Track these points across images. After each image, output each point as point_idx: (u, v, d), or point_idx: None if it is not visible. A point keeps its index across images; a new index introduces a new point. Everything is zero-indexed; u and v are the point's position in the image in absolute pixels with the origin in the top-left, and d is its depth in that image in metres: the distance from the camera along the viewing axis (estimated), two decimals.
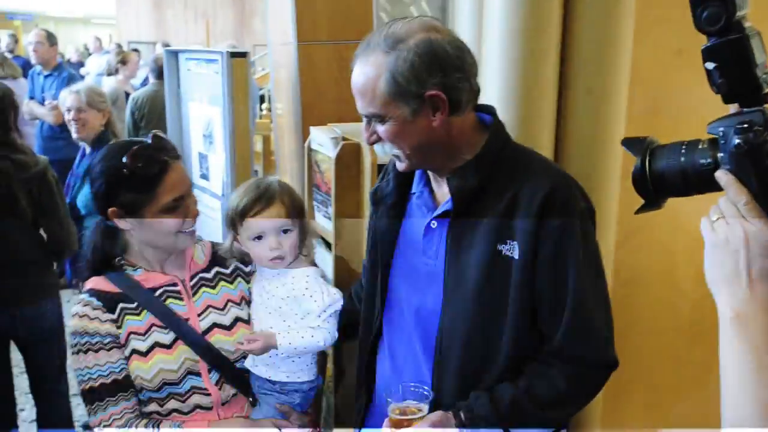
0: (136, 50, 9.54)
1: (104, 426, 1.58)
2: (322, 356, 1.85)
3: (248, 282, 1.74)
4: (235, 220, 1.66)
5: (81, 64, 10.18)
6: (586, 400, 1.48)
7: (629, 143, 1.02)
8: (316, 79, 3.02)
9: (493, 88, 1.74)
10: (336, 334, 1.68)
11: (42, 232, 2.77)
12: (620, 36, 1.59)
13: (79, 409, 3.58)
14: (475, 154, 1.43)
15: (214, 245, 1.78)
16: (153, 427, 1.59)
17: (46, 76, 5.62)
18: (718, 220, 0.90)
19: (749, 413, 0.80)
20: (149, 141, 1.60)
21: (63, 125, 5.42)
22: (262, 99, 7.26)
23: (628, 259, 1.67)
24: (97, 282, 1.63)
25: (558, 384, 1.40)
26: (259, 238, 1.65)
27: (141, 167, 1.53)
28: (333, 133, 2.26)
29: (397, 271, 1.57)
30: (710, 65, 0.91)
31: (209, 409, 1.64)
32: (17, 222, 2.61)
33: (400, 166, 1.47)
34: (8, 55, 6.94)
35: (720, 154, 0.92)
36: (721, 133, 0.92)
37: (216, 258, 1.74)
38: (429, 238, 1.48)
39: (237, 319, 1.68)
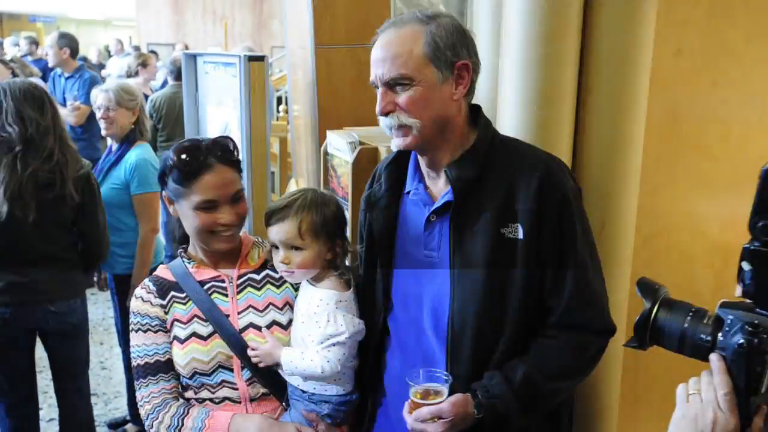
0: (153, 52, 9.62)
1: (144, 402, 1.68)
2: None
3: (296, 289, 1.74)
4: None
5: (101, 66, 10.28)
6: (590, 367, 1.54)
7: (642, 287, 1.07)
8: (333, 82, 3.03)
9: (512, 92, 1.74)
10: (337, 366, 1.58)
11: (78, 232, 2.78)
12: (640, 40, 1.57)
13: (97, 408, 3.62)
14: (470, 146, 1.51)
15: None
16: (184, 409, 1.66)
17: (67, 78, 5.67)
18: (694, 395, 0.98)
19: None
20: (209, 140, 1.67)
21: (84, 127, 5.52)
22: (279, 101, 7.28)
23: (647, 265, 1.66)
24: (161, 270, 1.76)
25: (565, 354, 1.48)
26: (276, 247, 1.66)
27: (180, 161, 1.61)
28: (350, 137, 2.26)
29: (398, 267, 1.62)
30: (746, 266, 0.93)
31: (238, 402, 1.69)
32: (61, 219, 2.66)
33: (405, 141, 1.48)
34: (28, 58, 7.02)
35: (720, 337, 0.97)
36: (729, 321, 0.96)
37: (269, 262, 1.76)
38: (429, 232, 1.54)
39: (273, 323, 1.70)
